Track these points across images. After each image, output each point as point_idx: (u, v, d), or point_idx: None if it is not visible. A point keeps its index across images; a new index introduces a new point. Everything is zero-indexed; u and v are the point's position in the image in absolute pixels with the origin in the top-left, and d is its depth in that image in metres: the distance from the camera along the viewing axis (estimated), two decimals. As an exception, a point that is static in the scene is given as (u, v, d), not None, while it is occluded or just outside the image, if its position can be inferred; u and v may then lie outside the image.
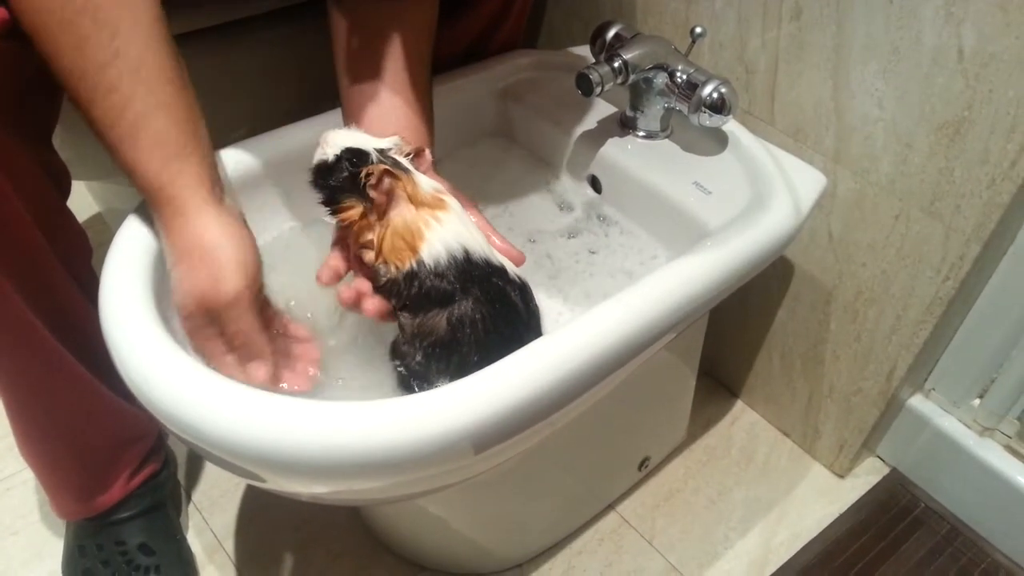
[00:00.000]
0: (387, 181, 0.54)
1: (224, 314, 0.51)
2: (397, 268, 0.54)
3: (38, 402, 0.69)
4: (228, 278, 0.51)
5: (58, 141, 0.62)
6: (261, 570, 0.83)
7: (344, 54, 0.66)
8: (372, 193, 0.54)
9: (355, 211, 0.55)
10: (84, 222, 1.18)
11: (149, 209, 0.53)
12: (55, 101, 0.60)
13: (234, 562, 0.84)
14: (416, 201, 0.55)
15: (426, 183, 0.56)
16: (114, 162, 0.51)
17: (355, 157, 0.55)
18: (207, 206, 0.52)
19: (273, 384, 0.54)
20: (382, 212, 0.55)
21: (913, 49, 0.65)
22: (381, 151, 0.56)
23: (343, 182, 0.55)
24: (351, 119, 0.65)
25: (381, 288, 0.56)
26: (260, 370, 0.53)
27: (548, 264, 0.70)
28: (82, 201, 1.11)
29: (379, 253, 0.55)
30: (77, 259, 0.65)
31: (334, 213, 0.56)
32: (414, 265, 0.54)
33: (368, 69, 0.65)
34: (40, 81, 0.56)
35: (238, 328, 0.52)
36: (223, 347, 0.52)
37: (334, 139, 0.56)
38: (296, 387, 0.55)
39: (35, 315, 0.61)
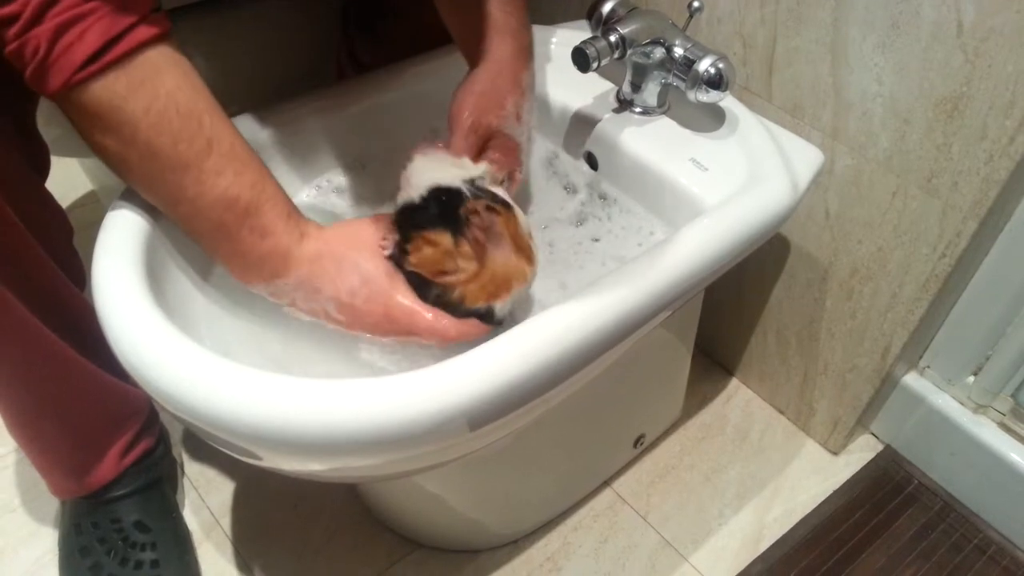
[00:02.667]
0: (490, 219, 0.52)
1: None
2: (467, 302, 0.54)
3: (22, 382, 0.68)
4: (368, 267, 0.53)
5: (44, 118, 0.61)
6: (258, 547, 0.84)
7: None
8: (476, 233, 0.52)
9: (442, 246, 0.53)
10: (77, 200, 1.18)
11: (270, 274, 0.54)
12: None
13: (231, 539, 0.84)
14: (517, 244, 0.54)
15: (523, 222, 0.55)
16: (224, 252, 0.54)
17: (444, 196, 0.54)
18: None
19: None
20: (480, 251, 0.53)
21: (912, 23, 0.65)
22: (471, 182, 0.54)
23: (434, 219, 0.53)
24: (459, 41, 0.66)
25: (432, 299, 0.55)
26: (501, 247, 0.54)
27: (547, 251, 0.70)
28: (75, 178, 1.10)
29: (458, 285, 0.54)
30: (57, 240, 0.64)
31: (408, 242, 0.54)
32: (484, 308, 0.54)
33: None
34: None
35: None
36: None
37: (417, 179, 0.55)
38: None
39: (15, 295, 0.60)
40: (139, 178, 0.52)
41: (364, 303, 0.54)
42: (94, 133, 0.49)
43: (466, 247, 0.53)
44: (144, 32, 0.47)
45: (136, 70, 0.48)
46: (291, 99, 0.71)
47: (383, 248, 0.55)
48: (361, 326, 0.55)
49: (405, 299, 0.54)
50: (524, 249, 0.55)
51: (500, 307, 0.55)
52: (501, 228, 0.53)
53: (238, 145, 0.52)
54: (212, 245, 0.54)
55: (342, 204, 0.72)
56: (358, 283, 0.54)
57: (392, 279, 0.55)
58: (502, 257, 0.54)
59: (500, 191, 0.55)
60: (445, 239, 0.53)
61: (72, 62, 0.46)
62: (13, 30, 0.45)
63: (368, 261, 0.54)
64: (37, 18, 0.45)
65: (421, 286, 0.54)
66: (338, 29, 0.87)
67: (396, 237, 0.55)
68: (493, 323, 0.56)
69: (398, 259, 0.55)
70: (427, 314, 0.54)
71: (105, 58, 0.46)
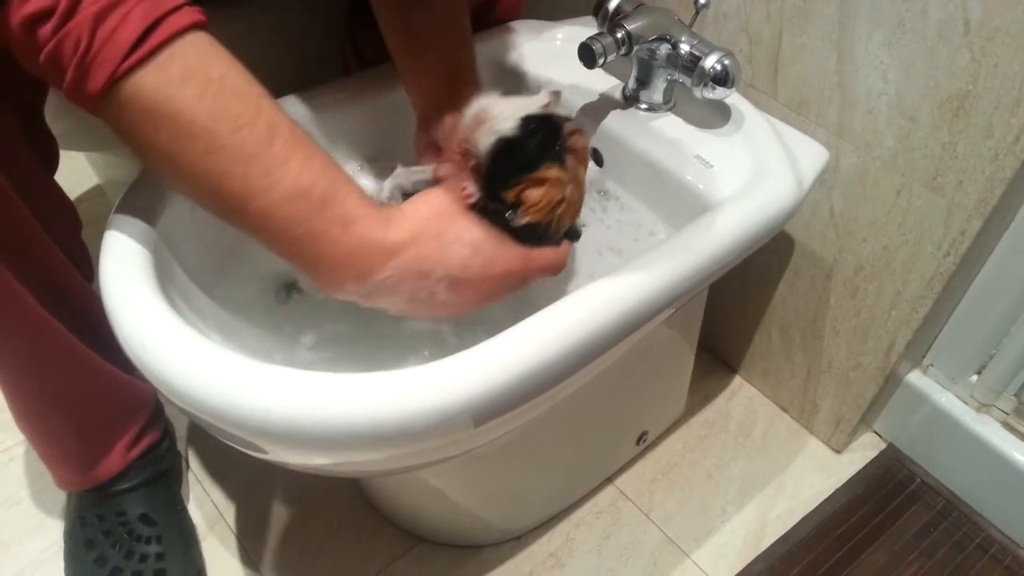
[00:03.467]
0: (585, 139, 0.52)
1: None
2: (562, 225, 0.53)
3: (30, 375, 0.68)
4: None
5: (52, 112, 0.62)
6: (262, 541, 0.84)
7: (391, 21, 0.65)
8: (578, 156, 0.51)
9: (553, 180, 0.51)
10: (84, 194, 1.19)
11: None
12: None
13: (235, 533, 0.85)
14: (583, 157, 0.53)
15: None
16: (306, 253, 0.47)
17: (534, 123, 0.50)
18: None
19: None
20: (580, 173, 0.52)
21: (919, 21, 0.65)
22: (547, 107, 0.52)
23: (533, 152, 0.50)
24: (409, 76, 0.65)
25: (538, 237, 0.53)
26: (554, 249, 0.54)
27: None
28: (82, 172, 1.10)
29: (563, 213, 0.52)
30: (65, 232, 0.64)
31: (507, 188, 0.51)
32: (570, 226, 0.54)
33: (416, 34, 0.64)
34: None
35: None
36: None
37: (501, 111, 0.51)
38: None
39: (24, 288, 0.60)
40: (199, 178, 0.46)
41: (480, 272, 0.51)
42: (145, 131, 0.44)
43: (566, 173, 0.51)
44: (188, 15, 0.44)
45: (186, 52, 0.43)
46: (302, 91, 0.71)
47: (468, 198, 0.51)
48: (474, 299, 0.52)
49: (514, 250, 0.52)
50: (585, 160, 0.54)
51: (579, 221, 0.55)
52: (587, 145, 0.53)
53: (298, 130, 0.47)
54: (291, 247, 0.48)
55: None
56: (469, 253, 0.50)
57: (495, 236, 0.51)
58: (582, 173, 0.53)
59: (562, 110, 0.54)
60: (554, 171, 0.51)
61: (118, 48, 0.41)
62: (49, 26, 0.41)
63: (468, 229, 0.50)
64: (72, 8, 0.41)
65: (528, 228, 0.52)
66: (343, 25, 0.87)
67: (481, 184, 0.51)
68: (576, 239, 0.56)
69: (491, 206, 0.51)
70: (536, 255, 0.53)
71: (151, 41, 0.42)
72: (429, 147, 0.64)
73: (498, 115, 0.50)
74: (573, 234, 0.55)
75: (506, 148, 0.50)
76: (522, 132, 0.50)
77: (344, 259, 0.47)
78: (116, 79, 0.42)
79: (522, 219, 0.51)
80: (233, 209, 0.46)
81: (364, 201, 0.48)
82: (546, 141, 0.50)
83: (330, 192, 0.46)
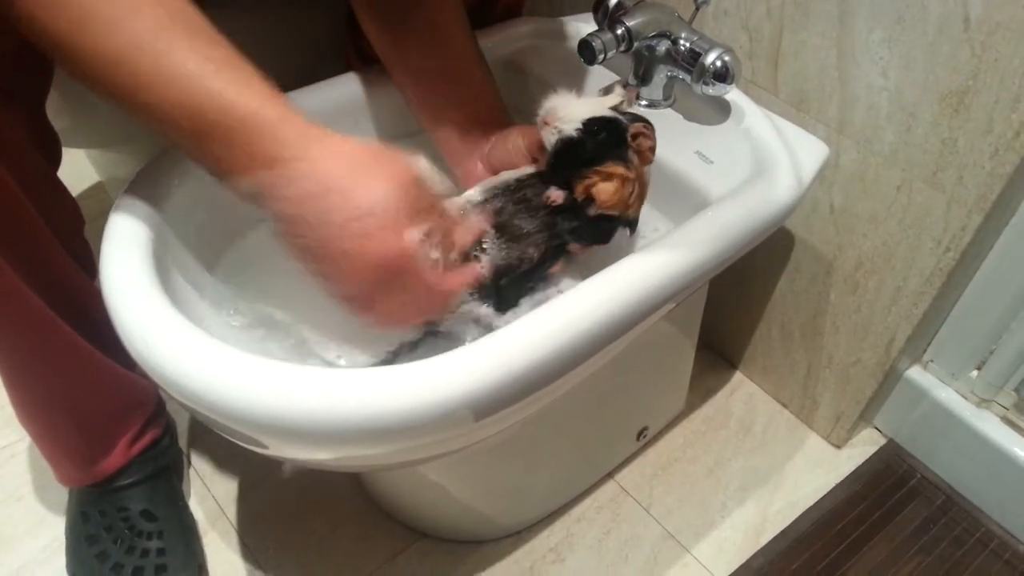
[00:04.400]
0: (652, 135, 0.54)
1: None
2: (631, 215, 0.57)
3: (33, 371, 0.69)
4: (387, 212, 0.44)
5: (53, 109, 0.62)
6: (263, 537, 0.84)
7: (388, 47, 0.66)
8: (644, 152, 0.54)
9: (619, 175, 0.54)
10: (84, 191, 1.19)
11: (234, 157, 0.44)
12: (49, 67, 0.59)
13: (236, 529, 0.85)
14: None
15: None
16: (171, 109, 0.43)
17: (597, 125, 0.54)
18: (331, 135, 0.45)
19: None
20: (639, 170, 0.55)
21: (919, 17, 0.65)
22: (616, 108, 0.55)
23: (594, 152, 0.54)
24: (418, 103, 0.66)
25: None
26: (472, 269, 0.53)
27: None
28: (82, 170, 1.10)
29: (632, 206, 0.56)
30: (69, 229, 0.65)
31: (577, 181, 0.55)
32: (634, 217, 0.58)
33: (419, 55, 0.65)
34: (33, 46, 0.55)
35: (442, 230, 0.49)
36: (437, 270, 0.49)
37: (566, 113, 0.54)
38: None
39: (27, 284, 0.60)
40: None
41: (354, 241, 0.45)
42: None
43: (630, 171, 0.55)
44: None
45: None
46: (303, 88, 0.71)
47: (554, 201, 0.55)
48: (342, 278, 0.47)
49: (403, 246, 0.46)
50: (649, 159, 0.57)
51: (638, 213, 0.58)
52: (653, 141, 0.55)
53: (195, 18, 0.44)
54: (179, 123, 0.44)
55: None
56: (356, 214, 0.44)
57: (399, 222, 0.46)
58: (646, 171, 0.56)
59: (640, 111, 0.58)
60: (619, 168, 0.54)
61: None
62: None
63: (378, 194, 0.45)
64: None
65: (600, 219, 0.56)
66: (345, 22, 0.87)
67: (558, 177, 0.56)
68: (634, 229, 0.60)
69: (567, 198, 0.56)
70: (430, 270, 0.48)
71: None
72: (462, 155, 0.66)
73: (564, 116, 0.54)
74: (634, 224, 0.60)
75: (567, 148, 0.54)
76: (583, 134, 0.53)
77: (242, 136, 0.44)
78: None
79: (594, 211, 0.55)
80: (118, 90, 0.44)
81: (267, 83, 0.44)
82: (609, 142, 0.53)
83: (229, 57, 0.44)
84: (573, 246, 0.61)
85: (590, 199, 0.56)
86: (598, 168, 0.54)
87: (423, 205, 0.48)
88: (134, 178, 0.58)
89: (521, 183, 0.60)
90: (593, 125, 0.54)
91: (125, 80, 0.43)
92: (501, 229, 0.59)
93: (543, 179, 0.59)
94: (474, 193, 0.61)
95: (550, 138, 0.55)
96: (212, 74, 0.43)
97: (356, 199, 0.45)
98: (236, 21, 0.79)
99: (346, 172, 0.45)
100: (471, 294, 0.58)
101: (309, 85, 0.71)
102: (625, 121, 0.55)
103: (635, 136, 0.54)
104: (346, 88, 0.73)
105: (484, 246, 0.57)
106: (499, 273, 0.58)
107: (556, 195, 0.57)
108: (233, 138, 0.44)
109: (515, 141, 0.63)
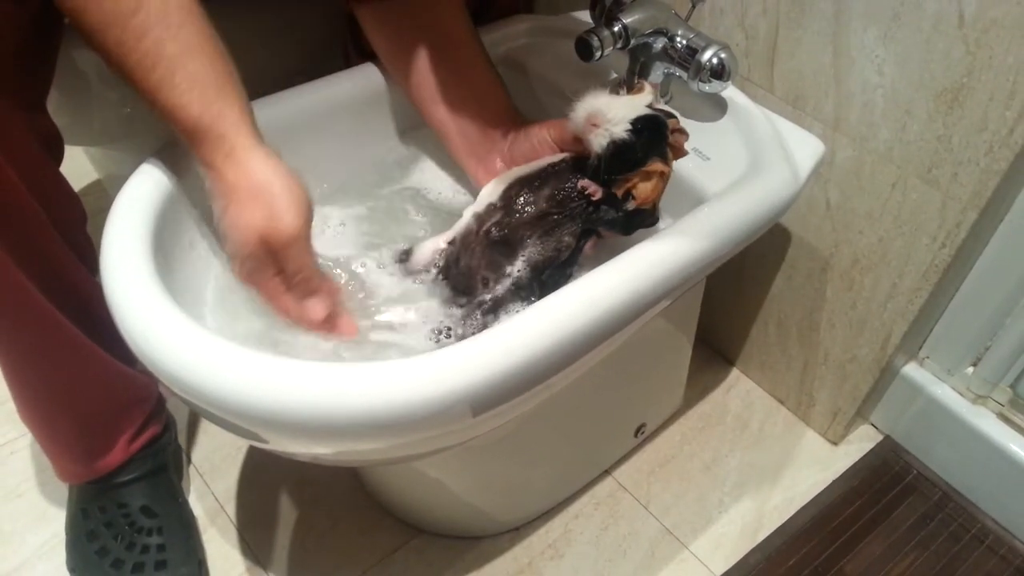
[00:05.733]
0: (685, 132, 0.57)
1: (284, 251, 0.52)
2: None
3: (35, 367, 0.69)
4: (287, 213, 0.52)
5: (53, 106, 0.62)
6: (262, 533, 0.85)
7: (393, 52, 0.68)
8: (678, 148, 0.57)
9: (658, 173, 0.57)
10: (83, 188, 1.19)
11: (193, 152, 0.54)
12: (49, 65, 0.59)
13: (235, 525, 0.85)
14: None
15: None
16: (154, 110, 0.52)
17: (641, 124, 0.56)
18: (256, 144, 0.53)
19: (327, 325, 0.56)
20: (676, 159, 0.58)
21: (914, 14, 0.65)
22: (650, 107, 0.57)
23: (642, 151, 0.56)
24: (430, 110, 0.68)
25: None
26: (319, 306, 0.55)
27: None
28: (82, 168, 1.10)
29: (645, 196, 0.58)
30: (71, 225, 0.65)
31: (621, 182, 0.57)
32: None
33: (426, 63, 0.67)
34: (34, 44, 0.55)
35: (298, 264, 0.53)
36: (282, 286, 0.54)
37: (615, 114, 0.56)
38: (347, 333, 0.57)
39: (30, 280, 0.61)
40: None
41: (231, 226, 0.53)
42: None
43: (668, 167, 0.57)
44: None
45: None
46: (302, 86, 0.71)
47: (592, 195, 0.58)
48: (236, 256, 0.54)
49: (256, 241, 0.52)
50: (681, 154, 0.60)
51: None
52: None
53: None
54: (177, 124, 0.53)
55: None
56: (250, 210, 0.52)
57: (271, 217, 0.52)
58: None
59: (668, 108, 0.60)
60: (659, 166, 0.56)
61: None
62: None
63: (262, 210, 0.52)
64: None
65: (636, 212, 0.59)
66: (344, 19, 0.87)
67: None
68: (655, 223, 0.62)
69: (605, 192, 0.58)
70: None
71: None
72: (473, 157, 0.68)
73: (612, 118, 0.55)
74: (652, 220, 0.62)
75: (619, 150, 0.56)
76: (633, 135, 0.55)
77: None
78: None
79: (632, 206, 0.58)
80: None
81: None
82: (653, 140, 0.55)
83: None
84: (603, 231, 0.63)
85: (628, 193, 0.58)
86: (644, 169, 0.57)
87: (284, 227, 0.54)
88: (134, 174, 0.59)
89: (547, 172, 0.61)
90: (638, 124, 0.55)
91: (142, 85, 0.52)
92: (534, 223, 0.60)
93: (575, 167, 0.60)
94: (493, 187, 0.62)
95: (601, 141, 0.56)
96: (187, 91, 0.52)
97: (245, 209, 0.53)
98: (236, 18, 0.80)
99: (247, 185, 0.53)
100: (520, 300, 0.60)
101: (308, 82, 0.71)
102: (664, 118, 0.57)
103: (673, 131, 0.57)
104: (345, 84, 0.73)
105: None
106: (539, 268, 0.60)
107: (594, 189, 0.59)
108: (194, 142, 0.53)
109: (540, 136, 0.64)
